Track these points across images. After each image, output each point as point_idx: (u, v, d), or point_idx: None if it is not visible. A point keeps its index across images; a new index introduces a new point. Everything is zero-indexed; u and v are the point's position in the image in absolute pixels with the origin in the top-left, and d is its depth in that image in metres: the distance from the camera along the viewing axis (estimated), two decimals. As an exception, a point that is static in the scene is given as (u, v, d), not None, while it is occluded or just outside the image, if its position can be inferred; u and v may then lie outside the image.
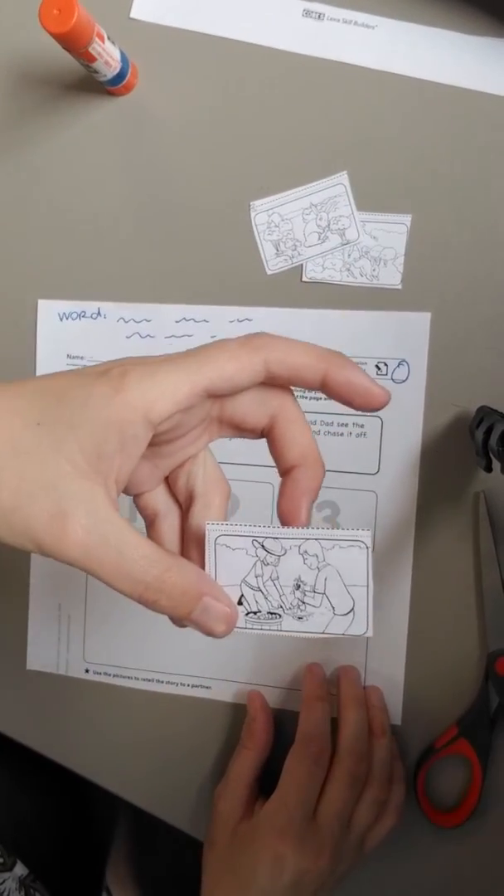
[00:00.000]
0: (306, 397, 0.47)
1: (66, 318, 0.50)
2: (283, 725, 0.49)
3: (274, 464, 0.31)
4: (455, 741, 0.46)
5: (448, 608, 0.46)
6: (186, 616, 0.29)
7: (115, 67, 0.46)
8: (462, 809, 0.46)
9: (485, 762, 0.45)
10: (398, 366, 0.46)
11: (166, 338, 0.49)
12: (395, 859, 0.48)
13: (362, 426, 0.47)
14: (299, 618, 0.30)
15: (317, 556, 0.29)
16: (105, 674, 0.51)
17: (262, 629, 0.30)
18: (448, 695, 0.47)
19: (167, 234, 0.49)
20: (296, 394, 0.31)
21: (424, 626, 0.47)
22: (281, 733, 0.48)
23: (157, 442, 0.30)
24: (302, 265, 0.47)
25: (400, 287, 0.46)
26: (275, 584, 0.30)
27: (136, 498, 0.33)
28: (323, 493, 0.47)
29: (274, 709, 0.49)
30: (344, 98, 0.46)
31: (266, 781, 0.47)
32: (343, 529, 0.29)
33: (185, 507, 0.33)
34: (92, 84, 0.47)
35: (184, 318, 0.49)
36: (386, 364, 0.46)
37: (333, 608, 0.30)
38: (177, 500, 0.33)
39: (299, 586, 0.30)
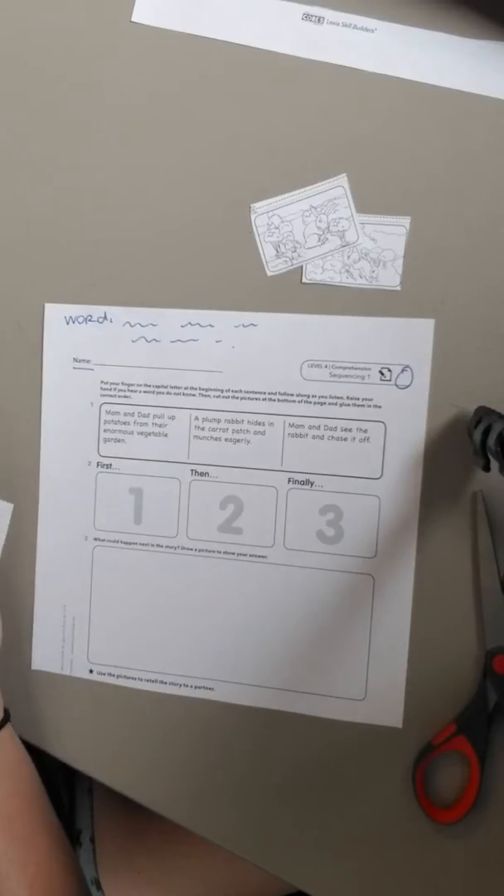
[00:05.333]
0: (310, 401, 0.47)
1: (73, 322, 0.51)
2: (286, 730, 0.49)
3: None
4: (453, 738, 0.46)
5: (447, 606, 0.47)
6: None
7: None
8: (460, 805, 0.47)
9: (483, 759, 0.46)
10: (402, 371, 0.46)
11: (172, 342, 0.49)
12: (394, 855, 0.48)
13: (366, 431, 0.47)
14: None
15: None
16: (109, 674, 0.52)
17: None
18: (446, 692, 0.47)
19: (170, 237, 0.49)
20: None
21: (423, 624, 0.47)
22: (283, 737, 0.49)
23: None
24: (302, 267, 0.47)
25: (399, 288, 0.46)
26: None
27: None
28: (326, 497, 0.48)
29: (276, 711, 0.49)
30: (343, 101, 0.46)
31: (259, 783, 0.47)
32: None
33: None
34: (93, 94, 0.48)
35: (189, 323, 0.49)
36: (390, 370, 0.46)
37: None
38: None
39: None
